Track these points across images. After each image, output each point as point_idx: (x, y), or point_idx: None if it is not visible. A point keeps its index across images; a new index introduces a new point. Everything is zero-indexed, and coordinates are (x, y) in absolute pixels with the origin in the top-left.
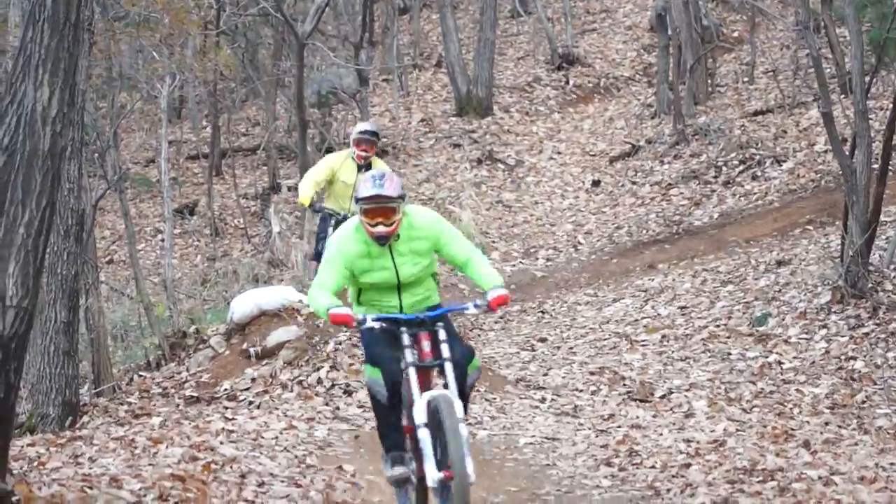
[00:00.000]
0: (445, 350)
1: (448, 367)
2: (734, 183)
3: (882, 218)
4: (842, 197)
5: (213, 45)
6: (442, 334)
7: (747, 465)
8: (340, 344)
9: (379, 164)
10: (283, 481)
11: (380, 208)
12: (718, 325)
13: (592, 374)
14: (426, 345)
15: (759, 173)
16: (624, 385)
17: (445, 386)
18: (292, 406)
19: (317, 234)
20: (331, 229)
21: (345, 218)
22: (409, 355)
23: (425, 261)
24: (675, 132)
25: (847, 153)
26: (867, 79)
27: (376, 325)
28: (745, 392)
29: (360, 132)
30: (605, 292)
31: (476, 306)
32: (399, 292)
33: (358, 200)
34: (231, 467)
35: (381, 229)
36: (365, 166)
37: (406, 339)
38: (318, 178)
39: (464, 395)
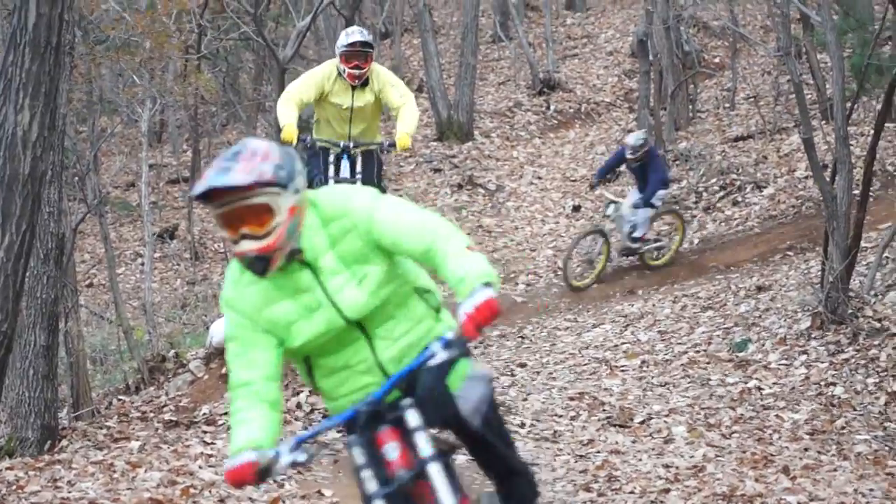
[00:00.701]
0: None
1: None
2: (715, 208)
3: (862, 244)
4: (822, 223)
5: (193, 70)
6: (413, 419)
7: (727, 490)
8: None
9: (381, 77)
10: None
11: (237, 209)
12: (698, 351)
13: (572, 399)
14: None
15: (739, 199)
16: (603, 410)
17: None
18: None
19: (309, 178)
20: (331, 168)
21: (346, 150)
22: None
23: (375, 269)
24: None
25: (828, 179)
26: (848, 105)
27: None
28: (724, 418)
29: (348, 44)
30: (585, 318)
31: (445, 345)
32: (369, 341)
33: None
34: (210, 492)
35: (247, 245)
36: (361, 86)
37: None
38: (303, 97)
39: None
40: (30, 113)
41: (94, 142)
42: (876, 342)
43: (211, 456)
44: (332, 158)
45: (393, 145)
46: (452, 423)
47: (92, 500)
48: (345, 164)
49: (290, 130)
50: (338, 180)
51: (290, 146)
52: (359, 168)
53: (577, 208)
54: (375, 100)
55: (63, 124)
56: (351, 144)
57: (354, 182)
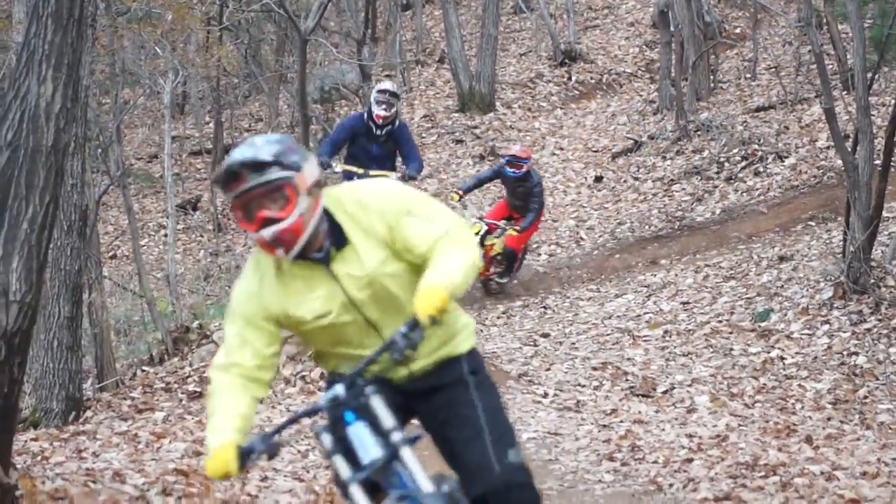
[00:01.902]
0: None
1: None
2: (736, 179)
3: (884, 214)
4: (844, 193)
5: (215, 41)
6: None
7: (749, 460)
8: None
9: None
10: (285, 476)
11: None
12: (721, 321)
13: (595, 369)
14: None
15: (761, 169)
16: (626, 380)
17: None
18: (295, 401)
19: None
20: None
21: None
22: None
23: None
24: (677, 128)
25: (849, 149)
26: (869, 75)
27: None
28: (747, 387)
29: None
30: (608, 288)
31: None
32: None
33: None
34: None
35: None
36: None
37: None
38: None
39: None
40: (53, 84)
41: (116, 114)
42: None
43: None
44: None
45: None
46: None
47: (117, 470)
48: None
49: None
50: None
51: None
52: None
53: (598, 179)
54: None
55: (86, 96)
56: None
57: None
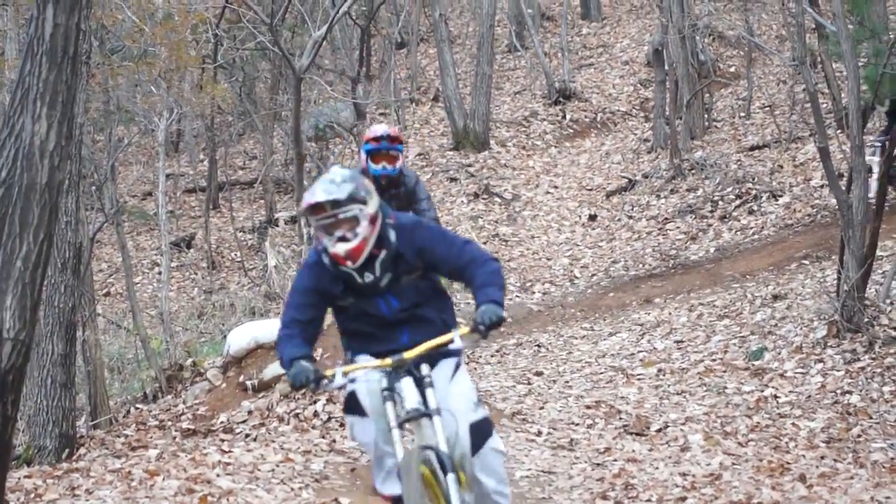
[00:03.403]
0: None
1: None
2: (730, 217)
3: (878, 252)
4: (838, 231)
5: (210, 79)
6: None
7: (743, 498)
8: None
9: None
10: None
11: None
12: (714, 359)
13: (588, 407)
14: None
15: (755, 208)
16: (620, 419)
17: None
18: (289, 439)
19: None
20: None
21: None
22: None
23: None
24: (671, 167)
25: (843, 188)
26: (863, 114)
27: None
28: (740, 426)
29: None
30: (602, 326)
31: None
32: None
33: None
34: (227, 500)
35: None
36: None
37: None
38: None
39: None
40: (47, 122)
41: (111, 151)
42: (892, 350)
43: (228, 464)
44: None
45: None
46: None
47: None
48: None
49: None
50: None
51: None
52: None
53: (592, 217)
54: None
55: (80, 134)
56: None
57: None
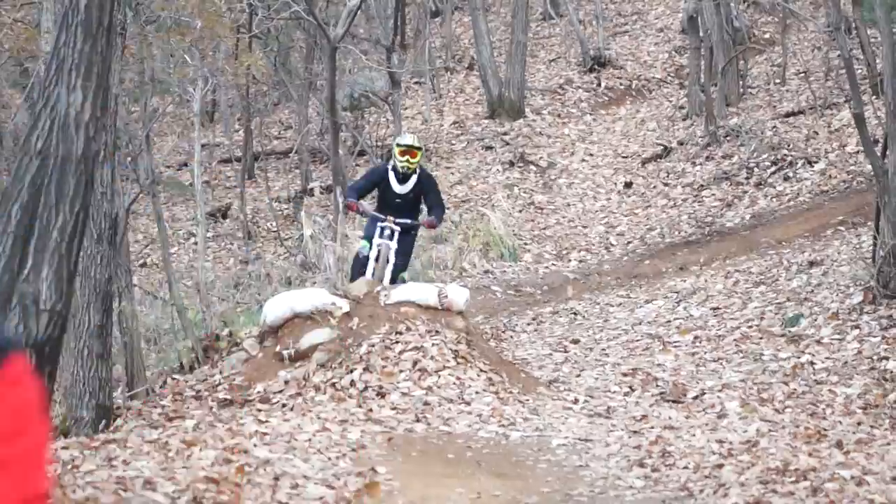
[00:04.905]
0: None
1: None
2: (766, 184)
3: None
4: (873, 198)
5: (245, 49)
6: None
7: (780, 465)
8: (373, 346)
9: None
10: (316, 483)
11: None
12: (751, 326)
13: (625, 375)
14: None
15: (790, 174)
16: (657, 386)
17: None
18: (325, 408)
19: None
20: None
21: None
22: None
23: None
24: (706, 134)
25: (879, 154)
26: None
27: None
28: (777, 393)
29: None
30: (638, 294)
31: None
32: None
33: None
34: (264, 469)
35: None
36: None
37: None
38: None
39: None
40: (82, 93)
41: (146, 122)
42: None
43: (265, 434)
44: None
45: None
46: None
47: (147, 478)
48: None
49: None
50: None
51: None
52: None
53: (628, 185)
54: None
55: (115, 104)
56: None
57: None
